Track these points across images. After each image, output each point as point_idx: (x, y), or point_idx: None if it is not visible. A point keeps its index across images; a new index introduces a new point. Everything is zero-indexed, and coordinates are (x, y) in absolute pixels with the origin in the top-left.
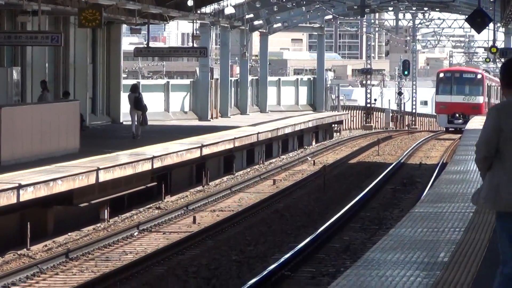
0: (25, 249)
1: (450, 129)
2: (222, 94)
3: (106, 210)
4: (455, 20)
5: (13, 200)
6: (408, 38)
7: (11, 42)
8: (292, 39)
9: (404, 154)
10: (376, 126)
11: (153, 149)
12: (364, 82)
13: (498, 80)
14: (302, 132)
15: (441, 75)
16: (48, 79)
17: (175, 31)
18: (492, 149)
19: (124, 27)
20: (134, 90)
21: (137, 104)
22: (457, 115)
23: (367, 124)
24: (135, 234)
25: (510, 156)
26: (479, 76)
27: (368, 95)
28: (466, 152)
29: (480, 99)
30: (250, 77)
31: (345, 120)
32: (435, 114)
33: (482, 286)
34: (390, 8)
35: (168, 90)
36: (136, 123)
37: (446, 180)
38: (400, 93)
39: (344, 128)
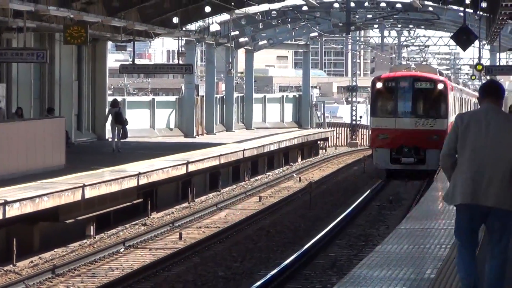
0: (11, 265)
1: (394, 170)
2: (208, 111)
3: (92, 227)
4: (440, 37)
5: None
6: (394, 55)
7: None
8: (277, 56)
9: None
10: (362, 143)
11: (139, 166)
12: (349, 99)
13: (470, 90)
14: (288, 149)
15: (379, 85)
16: (34, 96)
17: (161, 48)
18: (452, 149)
19: (110, 44)
20: (114, 105)
21: (118, 119)
22: (406, 150)
23: (353, 141)
24: (121, 250)
25: (463, 158)
26: (440, 86)
27: (354, 112)
28: None
29: (443, 124)
30: (235, 94)
31: (331, 137)
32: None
33: None
34: (376, 26)
35: (153, 107)
36: (116, 137)
37: (432, 197)
38: None
39: (330, 145)
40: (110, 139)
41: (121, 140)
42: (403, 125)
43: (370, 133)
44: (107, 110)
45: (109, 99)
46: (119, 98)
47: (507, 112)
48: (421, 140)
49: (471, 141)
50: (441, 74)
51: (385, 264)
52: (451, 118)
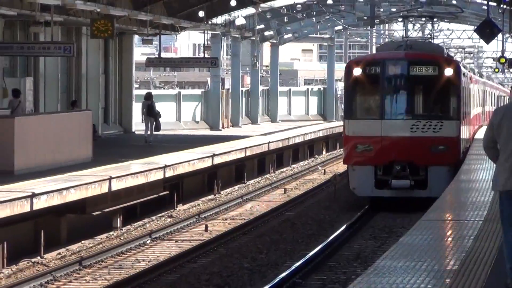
0: (38, 257)
1: (380, 198)
2: (233, 104)
3: (118, 219)
4: (464, 31)
5: (27, 209)
6: None
7: (24, 53)
8: (302, 50)
9: None
10: None
11: (165, 158)
12: None
13: (492, 82)
14: (313, 142)
15: (357, 71)
16: (61, 90)
17: (186, 42)
18: (489, 142)
19: (136, 37)
20: (148, 98)
21: (150, 111)
22: (398, 167)
23: None
24: (148, 242)
25: (501, 150)
26: (448, 71)
27: None
28: (476, 161)
29: (454, 128)
30: (261, 87)
31: None
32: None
33: None
34: (400, 19)
35: (179, 100)
36: (149, 130)
37: (456, 189)
38: None
39: None
40: (142, 132)
41: (154, 133)
42: (393, 131)
43: (343, 143)
44: (133, 103)
45: (136, 92)
46: (146, 91)
47: None
48: (421, 153)
49: (505, 132)
50: (450, 56)
51: (408, 255)
52: (468, 118)
